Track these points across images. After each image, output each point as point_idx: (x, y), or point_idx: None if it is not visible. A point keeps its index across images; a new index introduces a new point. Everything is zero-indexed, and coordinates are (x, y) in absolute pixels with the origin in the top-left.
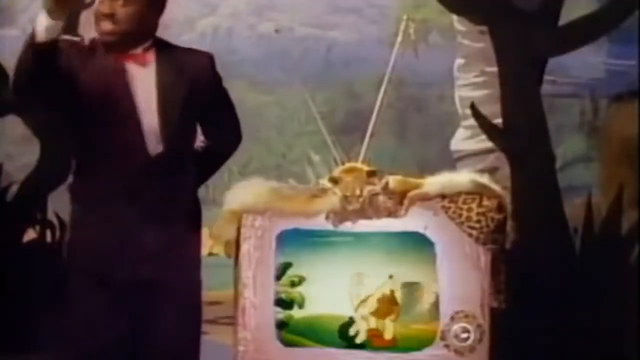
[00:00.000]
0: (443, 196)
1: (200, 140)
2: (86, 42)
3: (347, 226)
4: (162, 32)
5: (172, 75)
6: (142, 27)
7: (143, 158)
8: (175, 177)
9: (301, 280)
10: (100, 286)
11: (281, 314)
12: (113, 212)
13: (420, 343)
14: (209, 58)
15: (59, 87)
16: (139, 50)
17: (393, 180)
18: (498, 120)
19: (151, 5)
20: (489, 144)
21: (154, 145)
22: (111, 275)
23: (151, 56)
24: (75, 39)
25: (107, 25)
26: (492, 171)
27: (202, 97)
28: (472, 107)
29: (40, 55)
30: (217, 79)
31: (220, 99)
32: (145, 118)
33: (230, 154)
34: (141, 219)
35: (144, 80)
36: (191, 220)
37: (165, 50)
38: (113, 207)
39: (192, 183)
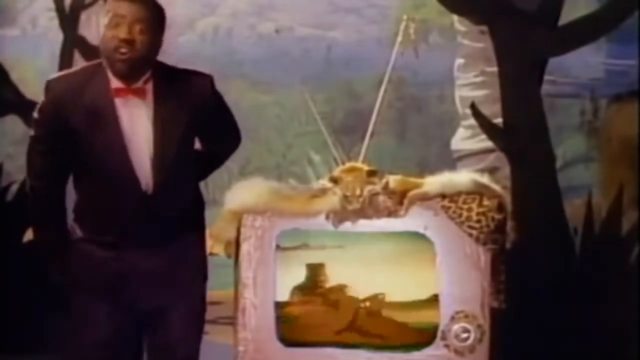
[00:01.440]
0: (443, 196)
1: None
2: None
3: (347, 226)
4: None
5: (171, 108)
6: (152, 57)
7: (136, 196)
8: (174, 210)
9: None
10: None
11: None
12: (111, 243)
13: (420, 343)
14: (208, 80)
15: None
16: (140, 83)
17: (393, 180)
18: (498, 120)
19: (160, 35)
20: (489, 144)
21: (147, 182)
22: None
23: (149, 88)
24: (70, 71)
25: (125, 53)
26: (492, 171)
27: (203, 120)
28: (473, 106)
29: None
30: (217, 99)
31: (220, 116)
32: (139, 154)
33: (229, 155)
34: (140, 253)
35: (140, 115)
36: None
37: (163, 79)
38: (110, 239)
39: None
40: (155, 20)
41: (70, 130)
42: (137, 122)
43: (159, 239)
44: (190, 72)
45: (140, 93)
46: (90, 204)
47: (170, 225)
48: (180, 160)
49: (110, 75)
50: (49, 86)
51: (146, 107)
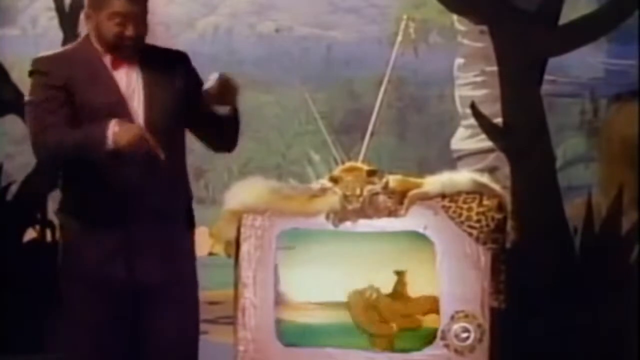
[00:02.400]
0: (443, 196)
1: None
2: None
3: (347, 226)
4: (162, 32)
5: (157, 77)
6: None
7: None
8: (168, 173)
9: None
10: (97, 290)
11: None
12: (106, 218)
13: (420, 343)
14: (186, 57)
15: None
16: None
17: (393, 180)
18: (498, 120)
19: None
20: (489, 144)
21: None
22: (108, 279)
23: (137, 60)
24: (65, 48)
25: (129, 30)
26: (492, 171)
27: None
28: (473, 106)
29: None
30: (196, 75)
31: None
32: (135, 115)
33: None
34: (136, 221)
35: (132, 79)
36: (185, 218)
37: (146, 52)
38: (106, 213)
39: (184, 180)
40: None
41: (71, 93)
42: (130, 85)
43: (159, 206)
44: (169, 51)
45: (132, 61)
46: (87, 179)
47: (164, 191)
48: (170, 126)
49: (98, 47)
50: (40, 61)
51: (136, 73)
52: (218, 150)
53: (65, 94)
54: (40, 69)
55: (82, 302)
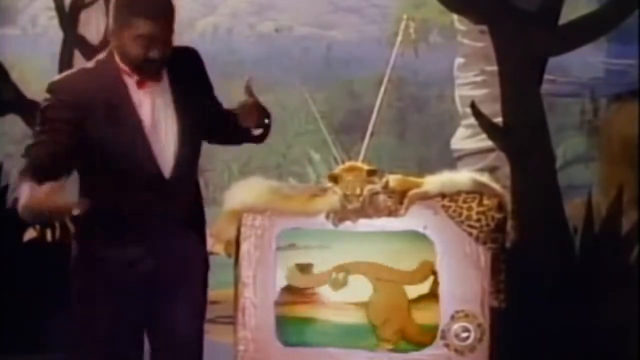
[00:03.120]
0: (443, 195)
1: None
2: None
3: (347, 225)
4: None
5: (187, 87)
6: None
7: (157, 180)
8: (185, 194)
9: None
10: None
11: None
12: (122, 221)
13: (420, 342)
14: (196, 53)
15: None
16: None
17: (393, 180)
18: (498, 119)
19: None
20: (489, 143)
21: (168, 167)
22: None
23: (164, 71)
24: (88, 65)
25: (154, 53)
26: (492, 170)
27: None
28: (473, 106)
29: None
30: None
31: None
32: (159, 140)
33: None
34: (151, 235)
35: (159, 102)
36: (197, 230)
37: (172, 60)
38: (122, 217)
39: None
40: (173, 20)
41: (82, 126)
42: (158, 109)
43: (178, 226)
44: (179, 48)
45: (157, 77)
46: (106, 204)
47: (186, 210)
48: (198, 143)
49: (122, 65)
50: (56, 86)
51: (163, 92)
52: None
53: (73, 127)
54: (54, 94)
55: (94, 302)
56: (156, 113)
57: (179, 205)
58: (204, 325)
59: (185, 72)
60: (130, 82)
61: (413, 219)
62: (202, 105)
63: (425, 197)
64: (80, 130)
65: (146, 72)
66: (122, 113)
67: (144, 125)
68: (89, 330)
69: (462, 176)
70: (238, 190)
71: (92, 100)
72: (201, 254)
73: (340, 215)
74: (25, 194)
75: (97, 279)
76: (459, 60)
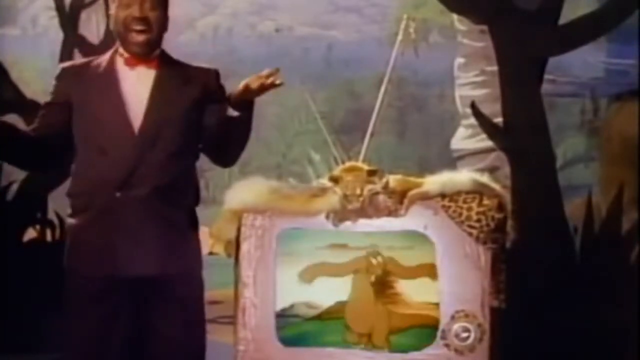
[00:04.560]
0: (443, 195)
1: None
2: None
3: (347, 225)
4: None
5: (171, 87)
6: (163, 32)
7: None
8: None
9: None
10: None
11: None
12: (111, 208)
13: (420, 342)
14: (214, 74)
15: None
16: (150, 58)
17: (393, 180)
18: (498, 119)
19: (167, 8)
20: (489, 143)
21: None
22: (113, 276)
23: (156, 63)
24: (84, 60)
25: (140, 32)
26: (492, 170)
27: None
28: (473, 106)
29: None
30: (222, 93)
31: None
32: (135, 110)
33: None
34: (139, 216)
35: (141, 80)
36: (189, 215)
37: (169, 63)
38: (110, 203)
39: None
40: (163, 3)
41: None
42: (138, 85)
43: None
44: (196, 67)
45: (148, 62)
46: (85, 170)
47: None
48: (170, 135)
49: (118, 47)
50: (61, 70)
51: (149, 78)
52: (217, 163)
53: (62, 109)
54: (56, 78)
55: (86, 301)
56: (137, 87)
57: (148, 167)
58: (205, 325)
59: (185, 72)
60: (120, 60)
61: (413, 219)
62: (182, 107)
63: (425, 197)
64: (69, 98)
65: (135, 51)
66: (104, 81)
67: (121, 92)
68: (83, 330)
69: (462, 176)
70: (238, 190)
71: (84, 71)
72: (194, 249)
73: (340, 215)
74: None
75: (88, 276)
76: (459, 60)
